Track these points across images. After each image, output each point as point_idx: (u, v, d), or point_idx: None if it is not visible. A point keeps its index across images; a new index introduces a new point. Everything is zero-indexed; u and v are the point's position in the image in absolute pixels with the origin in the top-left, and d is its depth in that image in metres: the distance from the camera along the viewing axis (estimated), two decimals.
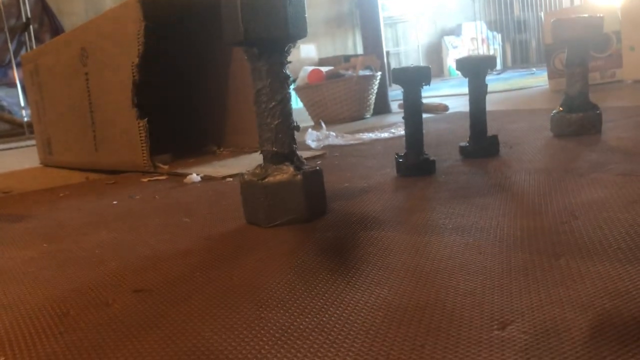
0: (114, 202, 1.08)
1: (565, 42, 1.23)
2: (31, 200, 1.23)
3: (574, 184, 0.80)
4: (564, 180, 0.83)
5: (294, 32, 0.71)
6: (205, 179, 1.25)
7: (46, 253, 0.75)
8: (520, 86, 3.38)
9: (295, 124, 0.78)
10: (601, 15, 1.20)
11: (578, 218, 0.64)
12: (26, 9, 4.51)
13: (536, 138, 1.28)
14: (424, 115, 1.13)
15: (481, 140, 1.11)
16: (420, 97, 1.00)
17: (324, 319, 0.45)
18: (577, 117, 1.24)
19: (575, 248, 0.54)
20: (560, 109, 1.27)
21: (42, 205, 1.15)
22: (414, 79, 0.98)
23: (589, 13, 1.51)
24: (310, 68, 2.71)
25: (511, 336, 0.38)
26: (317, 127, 2.27)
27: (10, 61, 4.60)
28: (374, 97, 2.59)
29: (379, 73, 2.59)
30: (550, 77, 2.76)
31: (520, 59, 7.06)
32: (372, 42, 2.74)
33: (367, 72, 2.53)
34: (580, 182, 0.81)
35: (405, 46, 7.24)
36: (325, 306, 0.47)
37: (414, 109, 1.00)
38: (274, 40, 0.72)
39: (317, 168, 0.78)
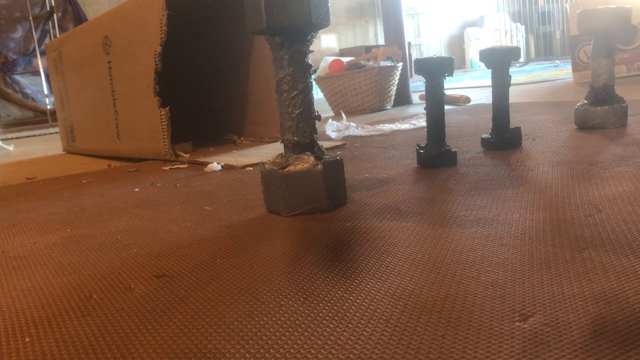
0: (136, 190, 1.09)
1: (591, 34, 1.21)
2: (54, 187, 1.25)
3: (598, 177, 0.78)
4: (587, 173, 0.82)
5: (317, 20, 0.71)
6: (226, 167, 1.25)
7: (69, 238, 0.76)
8: (543, 78, 3.33)
9: (316, 113, 0.78)
10: (629, 6, 1.18)
11: (602, 211, 0.63)
12: None
13: (560, 130, 1.26)
14: (446, 107, 1.12)
15: (504, 132, 1.10)
16: (442, 88, 0.99)
17: (344, 307, 0.45)
18: (602, 110, 1.22)
19: (598, 241, 0.54)
20: (585, 101, 1.25)
21: (65, 191, 1.17)
22: (436, 70, 0.97)
23: (617, 4, 1.49)
24: (331, 58, 2.70)
25: (533, 328, 0.38)
26: (337, 117, 2.27)
27: (34, 49, 4.66)
28: (394, 88, 2.58)
29: (400, 64, 2.58)
30: (574, 69, 2.72)
31: (544, 51, 6.96)
32: (394, 33, 2.72)
33: (389, 63, 2.52)
34: (605, 175, 0.79)
35: (426, 37, 7.18)
36: (345, 295, 0.47)
37: (436, 100, 0.99)
38: (297, 28, 0.72)
39: (338, 158, 0.78)
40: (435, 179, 0.89)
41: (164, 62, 1.41)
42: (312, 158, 0.75)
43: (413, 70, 1.80)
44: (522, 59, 6.14)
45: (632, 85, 2.25)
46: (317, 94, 3.86)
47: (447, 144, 1.01)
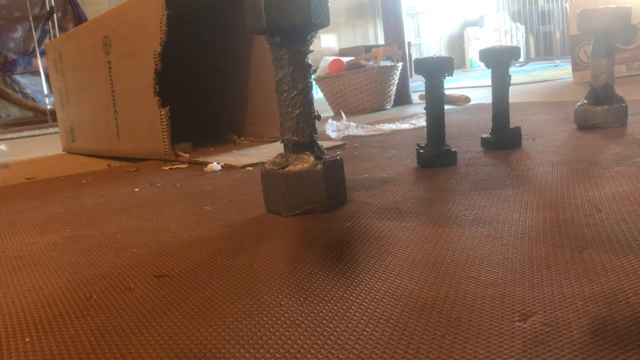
0: (136, 190, 1.09)
1: (591, 33, 1.21)
2: (54, 187, 1.25)
3: (597, 177, 0.78)
4: (587, 173, 0.82)
5: (317, 20, 0.71)
6: (226, 167, 1.25)
7: (69, 238, 0.76)
8: (543, 78, 3.33)
9: (316, 113, 0.78)
10: (629, 6, 1.18)
11: (602, 211, 0.63)
12: None
13: (560, 130, 1.26)
14: (446, 107, 1.12)
15: (503, 132, 1.10)
16: (442, 87, 0.99)
17: (344, 307, 0.45)
18: (602, 110, 1.22)
19: (598, 241, 0.54)
20: (585, 101, 1.25)
21: (65, 191, 1.17)
22: (436, 69, 0.97)
23: (617, 4, 1.49)
24: (331, 58, 2.70)
25: (533, 328, 0.38)
26: (337, 117, 2.27)
27: (34, 49, 4.66)
28: (394, 88, 2.58)
29: (400, 64, 2.58)
30: (574, 69, 2.72)
31: (543, 50, 6.96)
32: (394, 33, 2.72)
33: (388, 63, 2.52)
34: (604, 175, 0.79)
35: (426, 37, 7.18)
36: (345, 295, 0.47)
37: (435, 100, 0.99)
38: (297, 28, 0.72)
39: (338, 158, 0.78)
40: (435, 179, 0.89)
41: (164, 62, 1.41)
42: (312, 158, 0.75)
43: (413, 70, 1.80)
44: (522, 59, 6.14)
45: (632, 85, 2.25)
46: (317, 94, 3.86)
47: (447, 143, 1.01)
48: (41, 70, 4.59)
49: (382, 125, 1.71)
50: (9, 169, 1.71)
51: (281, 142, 0.79)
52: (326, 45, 5.76)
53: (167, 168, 1.35)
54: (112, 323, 0.46)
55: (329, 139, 1.55)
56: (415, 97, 2.83)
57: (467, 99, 2.29)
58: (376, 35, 6.70)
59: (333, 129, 1.63)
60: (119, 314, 0.48)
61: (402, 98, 2.67)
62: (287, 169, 0.74)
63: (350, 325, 0.41)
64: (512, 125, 1.12)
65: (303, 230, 0.68)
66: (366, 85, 2.46)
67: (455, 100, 2.30)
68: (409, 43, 6.29)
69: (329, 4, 0.73)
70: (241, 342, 0.41)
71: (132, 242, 0.71)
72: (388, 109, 2.55)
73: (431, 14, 7.15)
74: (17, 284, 0.59)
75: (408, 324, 0.41)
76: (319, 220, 0.72)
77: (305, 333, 0.41)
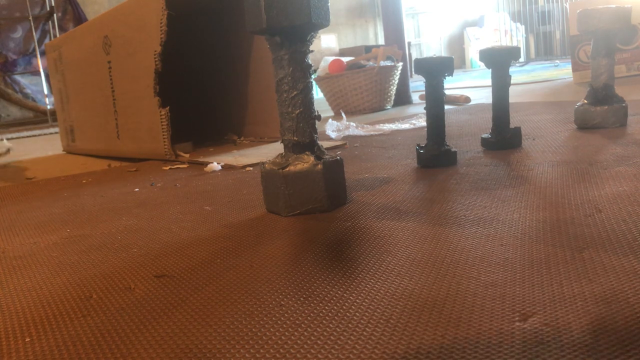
0: (136, 190, 1.09)
1: (591, 33, 1.21)
2: (55, 187, 1.25)
3: (598, 177, 0.78)
4: (587, 173, 0.82)
5: (317, 20, 0.71)
6: (226, 167, 1.25)
7: (69, 238, 0.76)
8: (543, 78, 3.33)
9: (316, 113, 0.78)
10: (629, 6, 1.18)
11: (602, 211, 0.63)
12: None
13: (560, 130, 1.26)
14: (446, 107, 1.12)
15: (504, 132, 1.10)
16: (442, 87, 0.99)
17: (344, 307, 0.45)
18: (602, 110, 1.22)
19: (598, 241, 0.53)
20: (585, 101, 1.25)
21: (65, 191, 1.17)
22: (436, 70, 0.97)
23: (617, 4, 1.49)
24: (331, 58, 2.70)
25: (533, 328, 0.38)
26: (337, 117, 2.27)
27: (34, 49, 4.66)
28: (394, 88, 2.58)
29: (400, 64, 2.57)
30: (574, 69, 2.72)
31: (543, 50, 6.96)
32: (394, 33, 2.72)
33: (388, 63, 2.52)
34: (605, 175, 0.79)
35: (426, 37, 7.18)
36: (345, 295, 0.47)
37: (435, 100, 0.99)
38: (297, 28, 0.72)
39: (338, 158, 0.78)
40: (435, 179, 0.89)
41: (164, 62, 1.41)
42: (312, 158, 0.75)
43: (413, 70, 1.80)
44: (522, 59, 6.14)
45: (632, 85, 2.25)
46: (317, 94, 3.86)
47: (447, 143, 1.01)
48: (41, 70, 4.59)
49: (382, 125, 1.71)
50: (7, 169, 1.71)
51: (281, 142, 0.79)
52: (326, 45, 5.76)
53: (167, 168, 1.35)
54: (112, 323, 0.46)
55: (329, 139, 1.55)
56: (415, 97, 2.83)
57: (467, 99, 2.29)
58: (376, 35, 6.70)
59: (333, 129, 1.63)
60: (119, 314, 0.48)
61: (402, 98, 2.67)
62: (287, 169, 0.74)
63: (350, 325, 0.41)
64: (512, 125, 1.12)
65: (303, 230, 0.68)
66: (366, 85, 2.46)
67: (455, 100, 2.30)
68: (409, 43, 6.29)
69: (329, 4, 0.73)
70: (241, 342, 0.41)
71: (132, 242, 0.71)
72: (388, 109, 2.55)
73: (431, 14, 7.14)
74: (17, 284, 0.59)
75: (408, 324, 0.41)
76: (319, 220, 0.72)
77: (305, 333, 0.41)
